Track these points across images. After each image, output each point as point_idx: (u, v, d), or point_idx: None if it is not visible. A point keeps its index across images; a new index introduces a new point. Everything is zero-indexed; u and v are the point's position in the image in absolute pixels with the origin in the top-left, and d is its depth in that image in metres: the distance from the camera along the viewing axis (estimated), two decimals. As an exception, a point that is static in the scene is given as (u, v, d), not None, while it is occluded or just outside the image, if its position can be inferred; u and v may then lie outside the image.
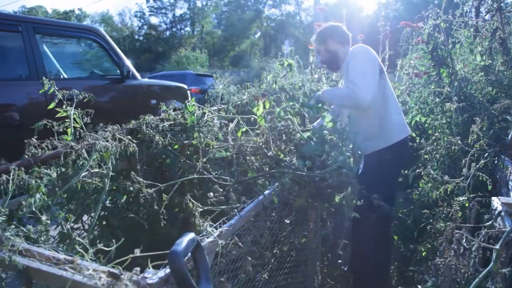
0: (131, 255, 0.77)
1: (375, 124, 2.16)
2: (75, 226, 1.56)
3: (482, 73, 3.20)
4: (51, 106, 1.99)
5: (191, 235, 0.72)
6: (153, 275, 0.71)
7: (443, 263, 1.36)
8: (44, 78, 2.10)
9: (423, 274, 1.49)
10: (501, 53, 3.27)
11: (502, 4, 3.26)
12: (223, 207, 1.19)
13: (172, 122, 2.02)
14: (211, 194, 1.28)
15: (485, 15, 3.53)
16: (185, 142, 1.87)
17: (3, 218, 1.05)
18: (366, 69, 2.06)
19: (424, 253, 2.34)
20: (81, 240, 1.07)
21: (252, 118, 1.99)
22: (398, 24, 4.15)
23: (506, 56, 3.25)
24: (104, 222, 1.57)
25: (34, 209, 1.19)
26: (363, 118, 2.12)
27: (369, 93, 1.98)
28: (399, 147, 2.17)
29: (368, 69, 2.06)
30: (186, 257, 0.72)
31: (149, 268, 0.73)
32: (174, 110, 2.20)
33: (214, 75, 5.10)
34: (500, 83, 3.03)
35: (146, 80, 4.87)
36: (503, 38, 3.23)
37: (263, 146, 1.60)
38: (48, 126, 1.88)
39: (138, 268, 0.75)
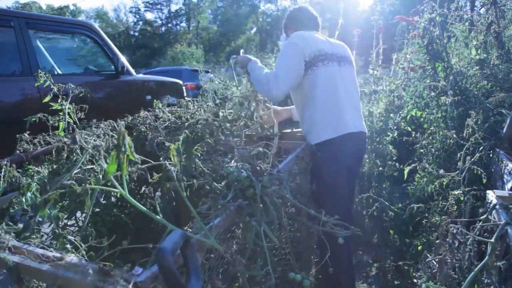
0: (119, 247, 0.76)
1: (308, 118, 2.01)
2: (69, 223, 1.55)
3: (477, 67, 3.20)
4: (46, 99, 1.98)
5: (180, 231, 0.71)
6: (143, 272, 0.70)
7: (437, 258, 1.36)
8: (39, 71, 2.08)
9: (418, 270, 1.49)
10: (496, 47, 3.27)
11: (497, -2, 3.26)
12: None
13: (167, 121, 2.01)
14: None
15: (480, 9, 3.52)
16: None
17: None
18: (290, 62, 1.93)
19: (419, 247, 2.34)
20: (72, 238, 1.06)
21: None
22: (394, 19, 4.14)
23: (501, 50, 3.25)
24: (97, 219, 1.56)
25: (25, 206, 1.18)
26: (302, 110, 2.05)
27: (283, 90, 1.90)
28: (331, 145, 1.94)
29: (292, 62, 1.93)
30: (176, 254, 0.71)
31: (138, 265, 0.72)
32: (169, 105, 2.19)
33: (199, 70, 5.09)
34: (495, 76, 3.03)
35: (141, 75, 4.84)
36: (498, 32, 3.23)
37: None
38: (42, 120, 1.87)
39: (129, 265, 0.74)
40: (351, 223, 1.52)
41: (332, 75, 1.97)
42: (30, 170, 1.46)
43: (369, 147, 3.20)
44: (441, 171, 2.27)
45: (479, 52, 3.33)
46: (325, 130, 1.94)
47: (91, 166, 1.41)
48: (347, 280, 2.01)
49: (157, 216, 0.83)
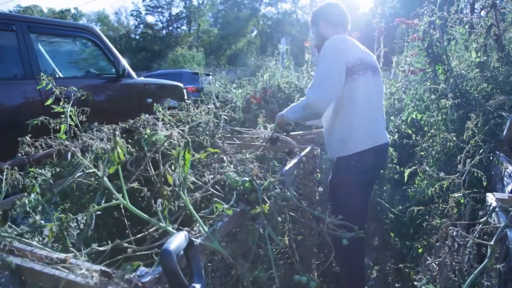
0: (124, 255, 0.76)
1: (344, 127, 1.98)
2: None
3: (477, 70, 3.21)
4: (49, 102, 1.99)
5: (183, 233, 0.72)
6: (145, 274, 0.70)
7: (437, 261, 1.37)
8: (41, 74, 2.09)
9: (418, 272, 1.50)
10: (496, 50, 3.28)
11: (496, 1, 3.27)
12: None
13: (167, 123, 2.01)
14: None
15: (479, 12, 3.54)
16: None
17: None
18: (331, 68, 1.87)
19: (420, 250, 2.34)
20: (74, 240, 1.07)
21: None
22: (394, 21, 4.16)
23: (501, 52, 3.26)
24: (98, 221, 1.56)
25: (28, 209, 1.18)
26: (334, 118, 2.01)
27: (325, 99, 1.86)
28: (367, 155, 1.96)
29: (333, 68, 1.87)
30: (179, 255, 0.71)
31: (141, 266, 0.73)
32: (169, 108, 2.19)
33: (199, 73, 5.18)
34: (495, 79, 3.04)
35: (142, 78, 4.85)
36: (497, 35, 3.24)
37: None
38: (44, 123, 1.87)
39: (129, 267, 0.75)
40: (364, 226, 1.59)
41: (369, 85, 1.96)
42: (31, 173, 1.47)
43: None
44: (441, 174, 2.28)
45: (479, 54, 3.35)
46: (363, 140, 1.94)
47: (93, 170, 1.41)
48: (359, 280, 2.07)
49: (161, 224, 0.83)
